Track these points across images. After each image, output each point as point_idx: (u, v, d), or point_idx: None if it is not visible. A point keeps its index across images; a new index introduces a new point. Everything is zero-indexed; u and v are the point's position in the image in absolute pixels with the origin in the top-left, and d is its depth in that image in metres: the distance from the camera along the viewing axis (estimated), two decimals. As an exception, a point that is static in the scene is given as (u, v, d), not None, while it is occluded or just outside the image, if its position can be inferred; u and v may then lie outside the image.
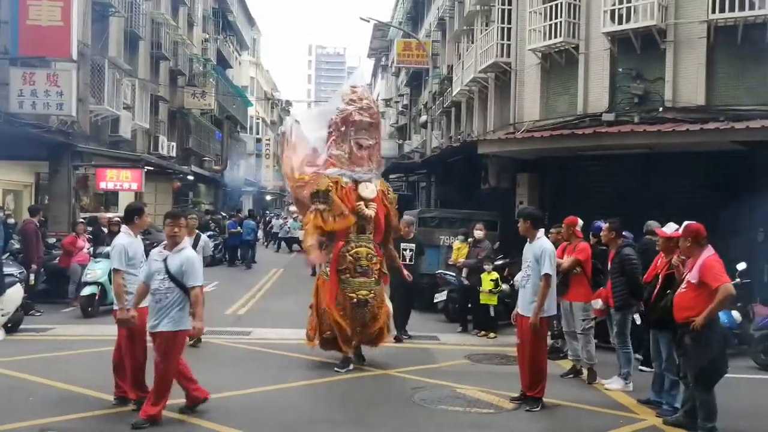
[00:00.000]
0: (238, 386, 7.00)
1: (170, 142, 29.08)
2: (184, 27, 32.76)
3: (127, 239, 6.17)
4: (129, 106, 22.43)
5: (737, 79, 13.52)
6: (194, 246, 8.69)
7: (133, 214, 6.40)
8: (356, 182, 8.11)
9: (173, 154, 29.24)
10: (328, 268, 7.99)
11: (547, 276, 6.51)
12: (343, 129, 8.24)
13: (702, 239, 5.96)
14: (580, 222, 8.11)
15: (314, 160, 8.37)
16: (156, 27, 26.89)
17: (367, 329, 8.01)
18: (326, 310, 7.86)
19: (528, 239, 6.80)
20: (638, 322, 8.20)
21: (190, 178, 30.97)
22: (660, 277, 6.53)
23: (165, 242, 5.94)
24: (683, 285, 5.96)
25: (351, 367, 7.96)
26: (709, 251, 5.89)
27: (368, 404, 6.60)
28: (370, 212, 8.02)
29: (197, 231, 9.72)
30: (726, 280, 5.71)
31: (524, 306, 6.65)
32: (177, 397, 6.10)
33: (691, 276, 5.87)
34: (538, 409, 6.50)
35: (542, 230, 6.87)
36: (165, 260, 5.77)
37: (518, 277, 7.21)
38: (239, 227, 21.98)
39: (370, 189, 8.17)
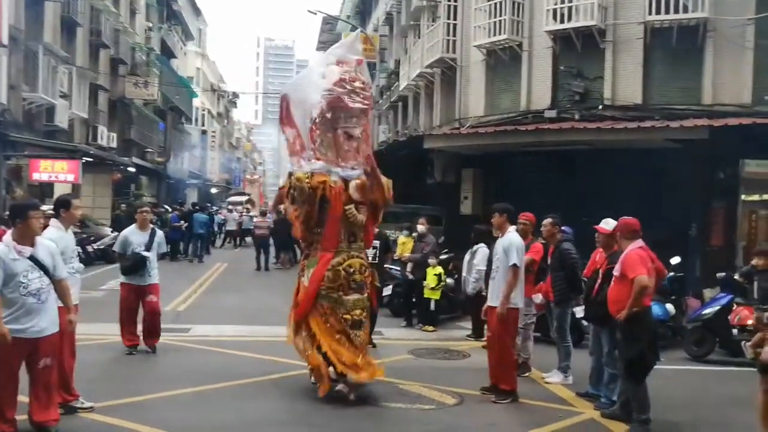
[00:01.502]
0: (172, 386, 6.82)
1: (110, 132, 28.29)
2: (126, 15, 31.87)
3: (56, 233, 5.93)
4: (66, 95, 21.71)
5: (672, 79, 13.99)
6: (150, 242, 8.43)
7: (59, 207, 6.15)
8: (345, 181, 6.66)
9: (113, 145, 28.45)
10: (305, 279, 6.70)
11: (515, 267, 6.62)
12: (329, 115, 6.67)
13: (629, 233, 6.11)
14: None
15: (294, 147, 6.98)
16: (96, 14, 26.08)
17: (357, 348, 6.58)
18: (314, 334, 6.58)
19: (500, 233, 6.96)
20: (578, 315, 8.39)
21: (132, 170, 30.17)
22: (600, 272, 6.65)
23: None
24: (613, 279, 6.11)
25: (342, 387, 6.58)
26: (636, 244, 6.03)
27: (312, 403, 6.53)
28: (362, 217, 6.72)
29: (152, 226, 8.90)
30: (641, 272, 5.79)
31: (494, 298, 6.77)
32: (108, 399, 5.90)
33: (616, 269, 6.06)
34: (508, 401, 6.60)
35: (513, 226, 7.04)
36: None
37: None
38: (182, 221, 21.52)
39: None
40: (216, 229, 27.56)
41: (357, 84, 6.77)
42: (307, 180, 6.52)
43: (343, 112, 6.69)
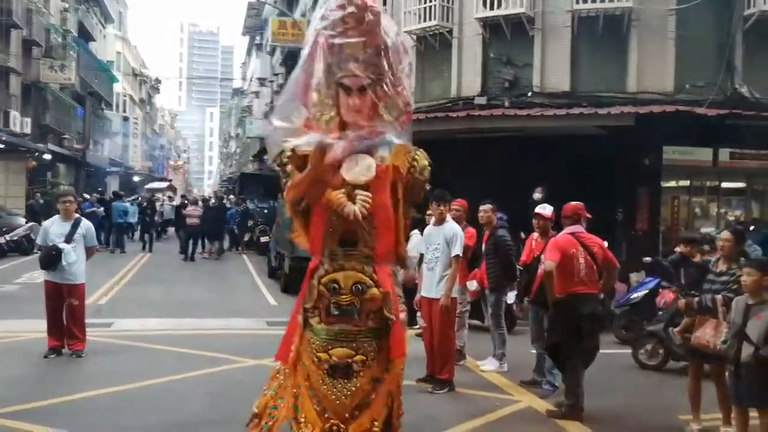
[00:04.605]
0: (93, 386, 6.39)
1: (24, 117, 26.81)
2: (39, -7, 30.19)
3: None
4: (-28, 78, 20.35)
5: (598, 67, 14.26)
6: (70, 234, 7.60)
7: None
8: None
9: (27, 130, 26.98)
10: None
11: (458, 258, 6.53)
12: (329, 62, 4.04)
13: (575, 217, 6.14)
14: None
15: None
16: (4, -9, 24.55)
17: (331, 414, 3.90)
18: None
19: (436, 222, 6.78)
20: (510, 301, 8.41)
21: (47, 157, 28.73)
22: (543, 257, 6.64)
23: None
24: None
25: None
26: (569, 229, 6.11)
27: (243, 399, 6.23)
28: (352, 209, 3.95)
29: (77, 216, 8.01)
30: (550, 258, 5.89)
31: (432, 288, 6.61)
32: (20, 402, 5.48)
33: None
34: (445, 390, 6.51)
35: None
36: None
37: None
38: (95, 208, 20.53)
39: (362, 166, 4.08)
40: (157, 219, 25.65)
41: (350, 7, 3.97)
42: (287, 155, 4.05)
43: (335, 55, 4.05)
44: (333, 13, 3.99)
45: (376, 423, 3.96)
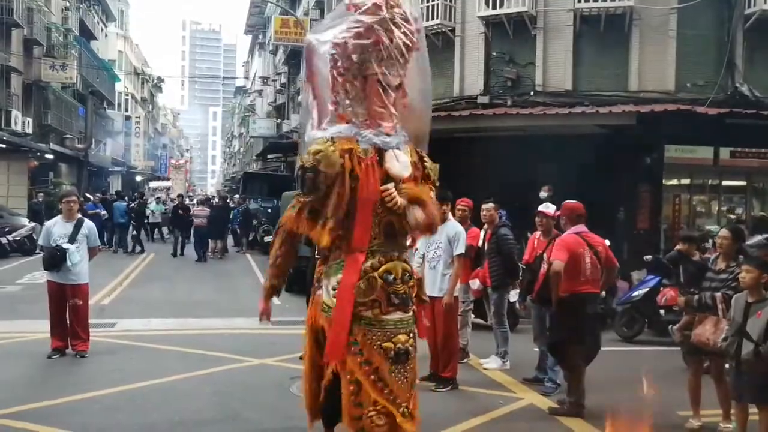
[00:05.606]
0: (95, 386, 6.42)
1: (25, 117, 26.82)
2: (40, -8, 30.19)
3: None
4: (-26, 78, 20.39)
5: (600, 66, 14.26)
6: (74, 234, 7.61)
7: None
8: (380, 150, 4.42)
9: (29, 130, 26.99)
10: (331, 295, 4.38)
11: (461, 257, 6.55)
12: (356, 57, 4.40)
13: (573, 217, 6.15)
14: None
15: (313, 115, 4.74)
16: (6, -9, 24.57)
17: (399, 398, 4.26)
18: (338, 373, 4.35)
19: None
20: (512, 299, 8.45)
21: (50, 156, 28.75)
22: (546, 256, 6.66)
23: None
24: None
25: None
26: (574, 229, 6.09)
27: (243, 398, 6.29)
28: (405, 202, 4.36)
29: (79, 216, 8.03)
30: (558, 257, 5.86)
31: (434, 287, 6.62)
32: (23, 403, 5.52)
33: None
34: (448, 388, 6.55)
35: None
36: None
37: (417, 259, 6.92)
38: (99, 209, 20.53)
39: (402, 162, 4.46)
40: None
41: (397, 11, 4.44)
42: (332, 148, 4.30)
43: (376, 52, 4.38)
44: (371, 16, 4.36)
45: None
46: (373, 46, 4.36)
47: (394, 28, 4.40)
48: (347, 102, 4.46)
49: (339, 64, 4.46)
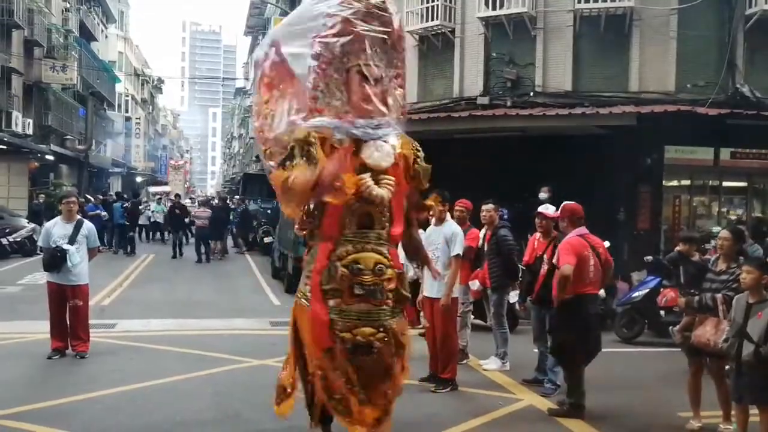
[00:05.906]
0: (96, 386, 6.42)
1: (26, 118, 26.81)
2: (41, -6, 30.20)
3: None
4: (-25, 79, 20.39)
5: (600, 67, 14.24)
6: (74, 235, 7.61)
7: None
8: (357, 141, 4.43)
9: (29, 131, 26.98)
10: (308, 288, 4.50)
11: (458, 257, 6.55)
12: (337, 50, 4.43)
13: (573, 219, 6.14)
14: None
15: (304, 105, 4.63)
16: (6, -8, 24.57)
17: (371, 392, 4.41)
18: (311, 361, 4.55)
19: (437, 222, 6.78)
20: (512, 300, 8.45)
21: (50, 158, 28.76)
22: (546, 258, 6.66)
23: None
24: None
25: None
26: (576, 231, 6.08)
27: (244, 398, 6.29)
28: (380, 192, 4.35)
29: (79, 217, 8.05)
30: (567, 261, 5.81)
31: (433, 288, 6.63)
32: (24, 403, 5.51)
33: (555, 256, 6.09)
34: (447, 389, 6.54)
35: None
36: None
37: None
38: (99, 210, 20.51)
39: (382, 152, 4.46)
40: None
41: (374, 1, 4.46)
42: (312, 137, 4.28)
43: (355, 43, 4.42)
44: (346, 10, 4.38)
45: (389, 393, 4.47)
46: (349, 38, 4.41)
47: (370, 18, 4.45)
48: (327, 95, 4.45)
49: (319, 56, 4.45)
